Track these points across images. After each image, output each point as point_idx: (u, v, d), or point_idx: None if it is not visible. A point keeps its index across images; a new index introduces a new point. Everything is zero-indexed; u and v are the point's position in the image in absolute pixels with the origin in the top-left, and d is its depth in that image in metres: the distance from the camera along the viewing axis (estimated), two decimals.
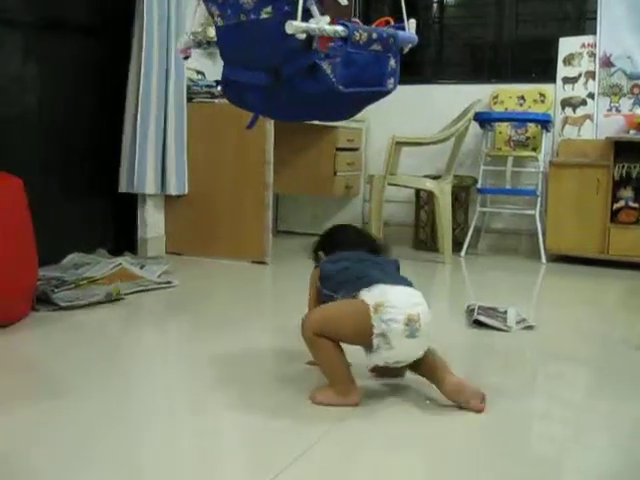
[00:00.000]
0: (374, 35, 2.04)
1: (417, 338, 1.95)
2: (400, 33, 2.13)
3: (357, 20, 2.04)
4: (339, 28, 1.95)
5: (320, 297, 2.14)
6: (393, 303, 1.93)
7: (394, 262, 2.24)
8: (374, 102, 2.20)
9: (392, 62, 2.12)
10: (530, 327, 2.97)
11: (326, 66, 1.95)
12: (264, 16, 1.95)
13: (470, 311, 3.08)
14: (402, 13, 2.18)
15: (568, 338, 2.93)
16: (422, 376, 2.08)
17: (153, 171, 4.18)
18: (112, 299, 3.18)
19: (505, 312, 3.06)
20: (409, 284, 2.09)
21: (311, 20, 1.90)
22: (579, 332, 3.05)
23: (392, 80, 2.14)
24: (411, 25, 2.19)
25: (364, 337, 1.95)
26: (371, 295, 1.97)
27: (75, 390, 2.14)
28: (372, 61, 2.06)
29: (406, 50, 2.18)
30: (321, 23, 1.90)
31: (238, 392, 2.14)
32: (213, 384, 2.21)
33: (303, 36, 1.88)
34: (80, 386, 2.17)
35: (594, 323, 3.27)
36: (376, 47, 2.05)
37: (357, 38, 1.99)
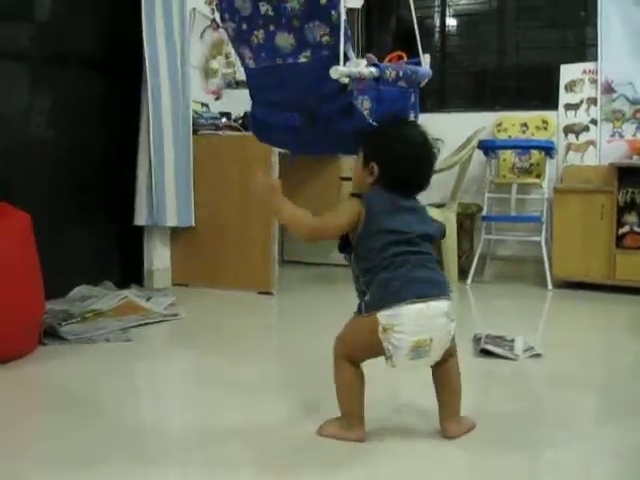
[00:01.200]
0: (400, 73, 2.14)
1: (424, 358, 1.93)
2: (420, 69, 2.22)
3: (372, 56, 2.10)
4: (373, 70, 2.04)
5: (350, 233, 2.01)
6: (403, 328, 1.87)
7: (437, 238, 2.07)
8: None
9: (412, 96, 2.21)
10: (537, 355, 2.96)
11: (360, 104, 2.04)
12: (302, 60, 2.01)
13: (477, 340, 3.07)
14: (417, 49, 2.28)
15: (576, 365, 2.92)
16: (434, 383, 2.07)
17: (173, 203, 4.22)
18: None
19: (512, 340, 3.05)
20: (442, 291, 1.95)
21: (348, 63, 1.97)
22: (587, 359, 3.04)
23: (413, 113, 2.23)
24: (426, 60, 2.28)
25: (380, 351, 1.92)
26: (385, 315, 1.88)
27: (86, 426, 2.14)
28: (398, 96, 2.15)
29: (423, 84, 2.26)
30: (360, 66, 1.99)
31: (242, 425, 2.15)
32: (219, 419, 2.21)
33: (346, 80, 1.96)
34: (91, 421, 2.17)
35: (602, 350, 3.26)
36: (402, 83, 2.15)
37: (387, 76, 2.09)
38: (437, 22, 5.70)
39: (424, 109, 5.35)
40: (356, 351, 1.98)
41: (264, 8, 2.00)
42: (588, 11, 5.19)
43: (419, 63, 2.25)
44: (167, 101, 4.15)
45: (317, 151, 2.55)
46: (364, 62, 2.02)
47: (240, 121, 4.52)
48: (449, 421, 2.04)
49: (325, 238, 2.08)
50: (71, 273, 3.94)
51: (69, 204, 4.00)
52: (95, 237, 4.19)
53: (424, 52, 2.30)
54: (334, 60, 1.95)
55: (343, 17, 1.94)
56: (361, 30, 5.82)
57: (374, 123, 2.06)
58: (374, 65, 2.06)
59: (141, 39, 4.03)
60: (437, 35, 5.71)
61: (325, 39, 1.97)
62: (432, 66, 2.32)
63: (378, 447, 1.97)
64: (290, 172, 4.58)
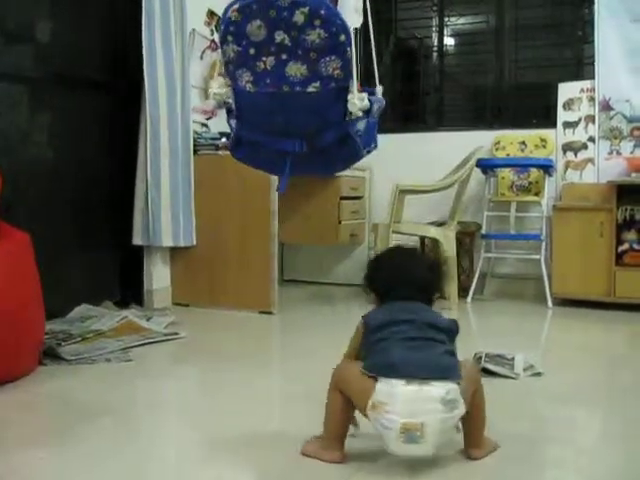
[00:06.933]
0: (379, 105, 2.29)
1: (419, 444, 1.84)
2: (383, 100, 2.38)
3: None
4: (367, 103, 2.15)
5: (359, 351, 2.04)
6: (392, 408, 1.82)
7: (450, 331, 2.01)
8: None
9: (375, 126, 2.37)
10: (538, 374, 2.96)
11: (356, 135, 2.17)
12: (311, 90, 2.08)
13: (477, 359, 3.07)
14: (375, 79, 2.49)
15: (577, 383, 2.91)
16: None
17: (169, 224, 4.23)
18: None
19: (512, 359, 3.05)
20: (440, 374, 1.87)
21: (351, 96, 2.09)
22: (588, 377, 3.04)
23: (375, 139, 2.37)
24: (379, 91, 2.42)
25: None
26: (379, 390, 1.85)
27: (89, 445, 2.13)
28: (372, 127, 2.29)
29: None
30: (365, 100, 2.11)
31: (242, 443, 2.14)
32: (220, 436, 2.21)
33: (360, 114, 2.09)
34: (93, 439, 2.17)
35: (602, 367, 3.25)
36: (376, 115, 2.29)
37: (374, 110, 2.22)
38: (435, 42, 5.72)
39: (423, 127, 5.43)
40: (347, 395, 1.96)
41: (280, 37, 2.04)
42: (585, 29, 5.22)
43: (373, 93, 2.36)
44: (164, 122, 4.17)
45: (302, 173, 2.60)
46: (365, 95, 2.11)
47: None
48: (473, 446, 2.04)
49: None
50: (71, 293, 3.94)
51: (69, 224, 4.01)
52: (95, 257, 4.20)
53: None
54: (341, 92, 2.07)
55: (354, 54, 2.05)
56: (361, 49, 5.84)
57: (364, 151, 2.23)
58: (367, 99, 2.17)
59: (142, 59, 4.05)
60: (435, 54, 5.73)
61: (337, 73, 2.06)
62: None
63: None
64: (289, 191, 4.58)
